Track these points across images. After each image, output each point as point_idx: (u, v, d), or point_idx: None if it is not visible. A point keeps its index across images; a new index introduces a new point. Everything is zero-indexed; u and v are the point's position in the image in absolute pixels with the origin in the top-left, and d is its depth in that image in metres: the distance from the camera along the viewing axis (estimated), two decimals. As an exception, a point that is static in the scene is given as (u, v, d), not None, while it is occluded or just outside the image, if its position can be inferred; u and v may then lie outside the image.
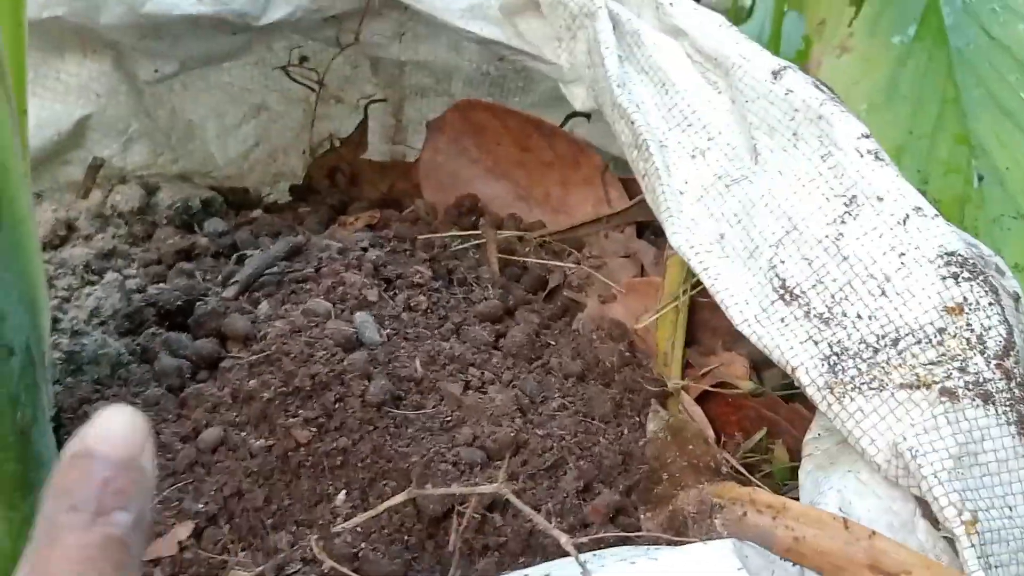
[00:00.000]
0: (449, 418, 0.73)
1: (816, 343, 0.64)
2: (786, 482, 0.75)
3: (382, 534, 0.68)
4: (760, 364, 0.82)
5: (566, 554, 0.63)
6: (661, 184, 0.72)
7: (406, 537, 0.69)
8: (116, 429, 0.41)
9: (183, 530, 0.66)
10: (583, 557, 0.56)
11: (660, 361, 0.82)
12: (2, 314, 0.58)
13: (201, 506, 0.67)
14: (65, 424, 0.67)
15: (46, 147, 0.88)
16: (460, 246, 0.90)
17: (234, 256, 0.84)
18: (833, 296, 0.64)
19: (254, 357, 0.71)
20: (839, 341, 0.63)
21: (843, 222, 0.65)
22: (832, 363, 0.63)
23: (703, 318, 0.85)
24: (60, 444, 0.67)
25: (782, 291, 0.65)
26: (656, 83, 0.75)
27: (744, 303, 0.67)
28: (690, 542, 0.60)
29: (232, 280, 0.79)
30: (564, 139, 0.97)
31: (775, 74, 0.70)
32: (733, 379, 0.80)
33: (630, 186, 0.96)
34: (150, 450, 0.41)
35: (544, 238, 0.93)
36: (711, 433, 0.76)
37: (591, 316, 0.86)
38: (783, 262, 0.66)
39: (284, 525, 0.68)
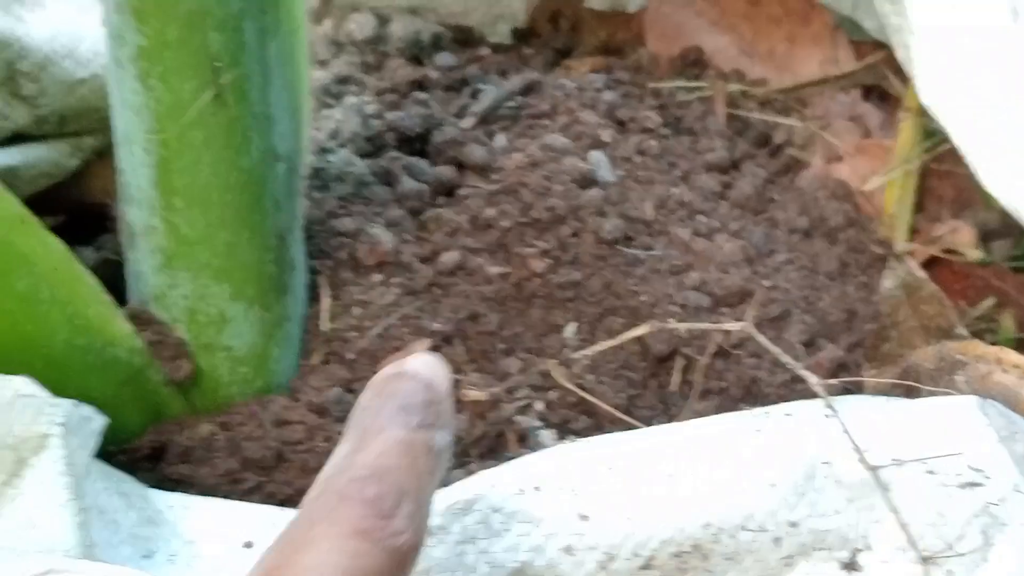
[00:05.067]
0: (678, 262, 0.73)
1: (1074, 208, 0.62)
2: (1012, 353, 0.74)
3: (608, 369, 0.69)
4: (989, 234, 0.81)
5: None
6: (915, 38, 0.70)
7: (630, 374, 0.70)
8: (436, 367, 0.44)
9: (420, 347, 0.68)
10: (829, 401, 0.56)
11: (886, 224, 0.81)
12: (273, 120, 0.60)
13: (438, 325, 0.69)
14: (314, 236, 0.69)
15: (285, -29, 0.90)
16: (686, 97, 0.90)
17: (466, 89, 0.85)
18: (1096, 162, 0.62)
19: (493, 187, 0.72)
20: (1099, 208, 0.62)
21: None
22: (1089, 230, 0.62)
23: (931, 185, 0.84)
24: (308, 254, 0.69)
25: (1041, 155, 0.64)
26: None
27: (997, 164, 0.65)
28: (925, 397, 0.60)
29: (469, 111, 0.80)
30: (796, -5, 0.95)
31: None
32: (960, 247, 0.79)
33: (858, 48, 0.94)
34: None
35: (768, 94, 0.92)
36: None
37: (816, 175, 0.85)
38: (1045, 124, 0.64)
39: (515, 351, 0.70)
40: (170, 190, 0.59)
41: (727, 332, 0.68)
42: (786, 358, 0.58)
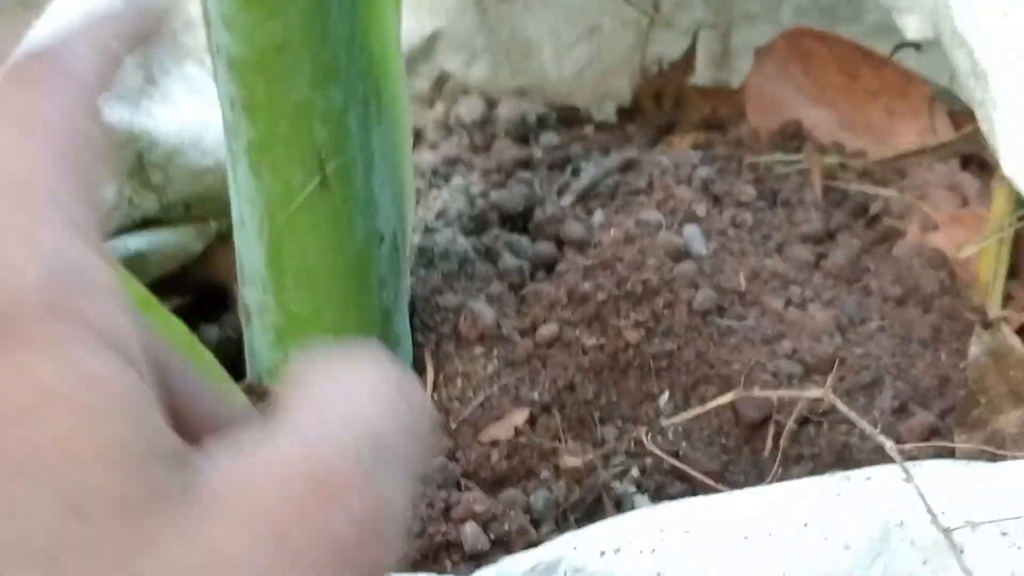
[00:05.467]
0: (770, 331, 0.76)
1: None
2: (1106, 418, 0.75)
3: (701, 435, 0.72)
4: (1084, 299, 0.82)
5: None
6: (997, 112, 0.72)
7: (723, 440, 0.72)
8: None
9: (519, 416, 0.71)
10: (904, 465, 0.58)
11: (980, 292, 0.82)
12: (376, 204, 0.64)
13: (536, 395, 0.72)
14: (419, 311, 0.73)
15: (400, 60, 0.95)
16: (784, 170, 0.92)
17: (568, 168, 0.88)
18: None
19: (589, 261, 0.76)
20: None
21: None
22: None
23: (1026, 252, 0.85)
24: (413, 328, 0.73)
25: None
26: (998, 10, 0.75)
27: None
28: (1010, 460, 0.61)
29: (569, 189, 0.84)
30: (892, 69, 0.97)
31: None
32: (1055, 313, 0.80)
33: (956, 118, 0.96)
34: None
35: (866, 166, 0.94)
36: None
37: (912, 244, 0.86)
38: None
39: (611, 419, 0.73)
40: (281, 272, 0.64)
41: (817, 399, 0.70)
42: (863, 424, 0.60)
